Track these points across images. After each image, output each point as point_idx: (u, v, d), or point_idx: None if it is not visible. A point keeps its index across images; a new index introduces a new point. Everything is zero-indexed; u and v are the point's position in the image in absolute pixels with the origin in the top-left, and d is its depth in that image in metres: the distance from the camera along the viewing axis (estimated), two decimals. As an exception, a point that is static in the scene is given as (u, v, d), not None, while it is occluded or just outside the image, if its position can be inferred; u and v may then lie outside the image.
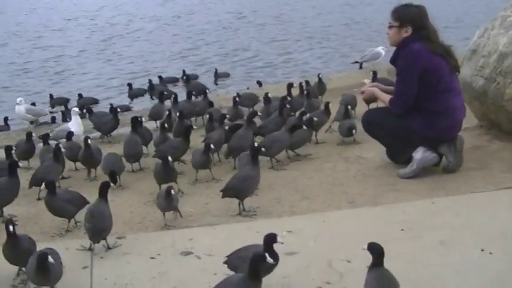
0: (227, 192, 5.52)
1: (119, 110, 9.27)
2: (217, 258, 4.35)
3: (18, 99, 12.18)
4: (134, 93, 15.17)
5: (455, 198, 5.56)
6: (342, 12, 28.41)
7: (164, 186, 5.59)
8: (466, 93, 6.83)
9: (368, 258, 3.66)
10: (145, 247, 4.87)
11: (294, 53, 20.07)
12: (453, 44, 6.34)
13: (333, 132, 8.08)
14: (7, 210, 5.85)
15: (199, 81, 13.82)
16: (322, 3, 31.65)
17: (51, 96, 15.12)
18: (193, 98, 9.96)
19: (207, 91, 10.86)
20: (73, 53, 22.38)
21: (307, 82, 10.01)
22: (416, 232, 4.88)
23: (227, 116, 7.73)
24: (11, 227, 4.25)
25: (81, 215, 5.29)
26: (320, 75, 10.26)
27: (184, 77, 12.54)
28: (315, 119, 7.25)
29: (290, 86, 8.86)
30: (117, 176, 6.15)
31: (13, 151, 6.85)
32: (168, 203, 5.28)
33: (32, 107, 12.43)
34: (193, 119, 9.43)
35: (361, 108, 8.38)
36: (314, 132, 7.54)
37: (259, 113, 7.64)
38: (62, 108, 14.43)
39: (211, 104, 9.03)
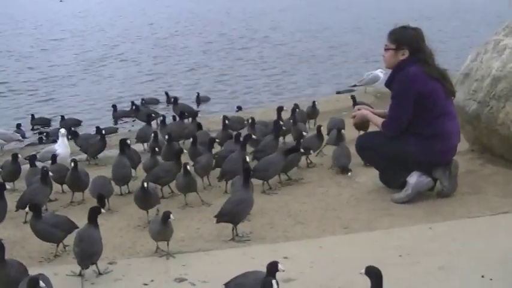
0: (222, 217, 5.40)
1: (103, 131, 9.09)
2: (213, 285, 4.25)
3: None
4: (118, 115, 15.05)
5: (452, 223, 5.50)
6: (325, 36, 28.54)
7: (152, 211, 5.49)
8: (459, 117, 6.75)
9: (366, 285, 3.58)
10: (138, 273, 4.74)
11: (281, 74, 20.10)
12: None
13: (323, 156, 7.98)
14: (-7, 234, 5.70)
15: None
16: (307, 26, 31.86)
17: (32, 116, 14.93)
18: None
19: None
20: (58, 73, 22.17)
21: (296, 106, 9.92)
22: (414, 258, 4.81)
23: (216, 140, 7.60)
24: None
25: (70, 239, 5.13)
26: (316, 102, 10.15)
27: (172, 99, 12.41)
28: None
29: (280, 109, 8.77)
30: (106, 200, 6.02)
31: (-2, 173, 6.71)
32: (164, 230, 5.03)
33: (2, 131, 12.14)
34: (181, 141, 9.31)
35: (349, 131, 8.37)
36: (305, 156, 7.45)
37: (253, 136, 7.53)
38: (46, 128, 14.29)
39: (199, 126, 8.92)
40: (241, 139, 7.20)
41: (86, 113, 16.33)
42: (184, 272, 4.72)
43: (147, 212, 5.92)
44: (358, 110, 6.69)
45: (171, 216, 4.96)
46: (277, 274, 3.83)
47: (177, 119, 10.41)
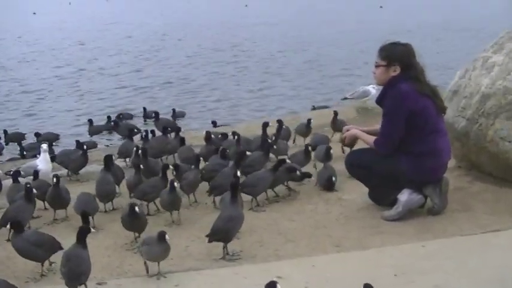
0: (214, 236, 5.29)
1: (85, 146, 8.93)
2: (207, 307, 4.13)
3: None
4: (94, 130, 14.87)
5: (444, 241, 5.47)
6: (305, 50, 28.63)
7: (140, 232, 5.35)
8: (448, 133, 6.75)
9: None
10: (128, 294, 4.62)
11: (261, 89, 20.07)
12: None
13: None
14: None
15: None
16: (287, 40, 31.93)
17: (5, 132, 14.65)
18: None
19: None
20: (36, 87, 21.92)
21: (280, 122, 9.85)
22: (409, 277, 4.76)
23: (201, 158, 7.44)
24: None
25: (57, 258, 4.99)
26: (311, 120, 10.00)
27: (153, 114, 12.26)
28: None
29: (266, 125, 8.67)
30: (91, 217, 5.89)
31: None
32: (162, 250, 4.88)
33: None
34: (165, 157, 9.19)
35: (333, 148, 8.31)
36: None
37: (248, 153, 7.43)
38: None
39: (183, 141, 8.78)
40: (236, 155, 7.17)
41: (64, 127, 16.10)
42: (177, 292, 4.61)
43: (138, 235, 5.76)
44: (348, 130, 6.59)
45: (167, 236, 4.82)
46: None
47: (156, 134, 10.31)
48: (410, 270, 4.85)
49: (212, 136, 8.63)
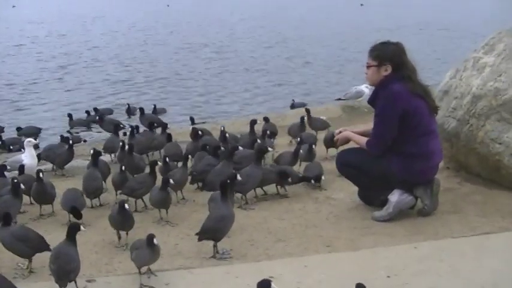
0: (204, 235, 5.22)
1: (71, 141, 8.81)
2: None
3: None
4: (74, 124, 14.71)
5: (437, 243, 5.43)
6: (285, 47, 28.60)
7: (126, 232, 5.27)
8: (438, 134, 6.75)
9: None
10: (119, 292, 4.54)
11: (242, 86, 20.02)
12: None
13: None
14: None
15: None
16: (266, 38, 31.89)
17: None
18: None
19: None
20: (19, 81, 21.66)
21: (266, 119, 9.80)
22: (402, 279, 4.72)
23: (189, 156, 7.36)
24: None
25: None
26: (305, 118, 9.70)
27: (138, 110, 12.14)
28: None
29: (253, 122, 8.61)
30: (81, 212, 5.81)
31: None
32: (150, 255, 4.73)
33: None
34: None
35: (320, 147, 8.29)
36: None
37: (240, 148, 7.36)
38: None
39: (169, 137, 8.69)
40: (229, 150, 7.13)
41: (47, 120, 15.94)
42: (168, 291, 4.54)
43: (127, 233, 5.65)
44: (340, 132, 6.54)
45: (155, 240, 4.67)
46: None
47: (140, 129, 10.20)
48: (404, 272, 4.81)
49: (200, 133, 8.52)
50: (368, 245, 5.45)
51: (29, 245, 4.98)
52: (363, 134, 6.27)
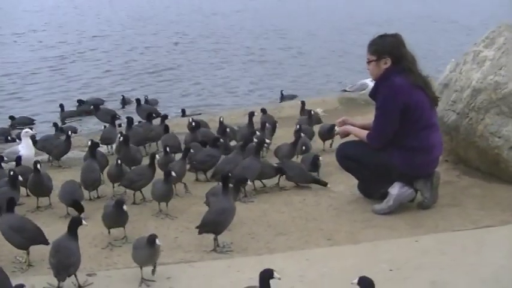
0: (204, 228, 5.19)
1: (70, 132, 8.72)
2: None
3: None
4: (65, 115, 14.63)
5: (438, 236, 5.43)
6: (281, 39, 28.52)
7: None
8: (437, 127, 6.73)
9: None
10: (120, 286, 4.52)
11: (235, 77, 19.95)
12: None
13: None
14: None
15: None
16: (258, 30, 31.78)
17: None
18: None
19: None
20: (19, 70, 21.54)
21: (263, 111, 9.76)
22: (404, 272, 4.71)
23: (191, 150, 7.26)
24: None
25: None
26: (312, 112, 9.44)
27: (135, 100, 12.07)
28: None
29: (252, 114, 8.58)
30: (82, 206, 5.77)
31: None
32: (151, 255, 4.62)
33: None
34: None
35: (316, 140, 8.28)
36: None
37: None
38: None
39: (167, 129, 8.63)
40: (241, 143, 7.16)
41: (42, 111, 15.86)
42: (169, 285, 4.53)
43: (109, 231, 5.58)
44: (341, 121, 6.50)
45: (157, 241, 4.58)
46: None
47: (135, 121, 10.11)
48: (406, 266, 4.80)
49: (193, 124, 8.47)
50: (369, 238, 5.44)
51: (25, 236, 4.93)
52: (363, 127, 6.24)
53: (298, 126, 8.07)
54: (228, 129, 8.20)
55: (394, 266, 4.78)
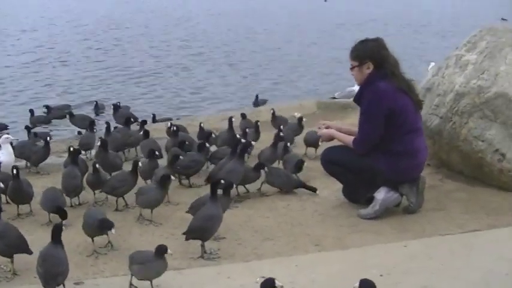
0: (191, 234, 5.13)
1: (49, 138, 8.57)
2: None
3: None
4: (35, 120, 14.41)
5: (425, 240, 5.44)
6: (252, 42, 28.47)
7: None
8: (420, 131, 6.74)
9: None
10: (109, 294, 4.43)
11: (206, 81, 19.77)
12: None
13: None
14: None
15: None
16: (232, 32, 31.71)
17: None
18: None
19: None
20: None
21: (243, 115, 9.71)
22: (395, 277, 4.69)
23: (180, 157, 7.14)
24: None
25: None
26: (304, 119, 9.16)
27: (112, 106, 11.90)
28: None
29: (231, 119, 8.50)
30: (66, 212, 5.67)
31: None
32: (164, 267, 4.50)
33: None
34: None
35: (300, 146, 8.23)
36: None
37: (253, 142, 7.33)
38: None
39: (147, 134, 8.51)
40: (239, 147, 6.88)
41: (14, 116, 15.62)
42: (159, 293, 4.44)
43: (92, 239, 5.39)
44: (323, 124, 6.48)
45: (169, 251, 4.49)
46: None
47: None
48: (396, 271, 4.79)
49: (174, 129, 8.37)
50: (356, 244, 5.42)
51: (6, 243, 4.82)
52: (349, 133, 6.22)
53: (278, 130, 8.06)
54: (213, 135, 8.10)
55: (384, 271, 4.75)
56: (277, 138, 7.62)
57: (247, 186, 6.84)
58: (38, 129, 12.79)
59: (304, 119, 8.69)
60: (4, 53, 26.08)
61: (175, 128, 8.44)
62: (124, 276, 4.65)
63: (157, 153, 7.07)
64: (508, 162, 6.38)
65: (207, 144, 7.28)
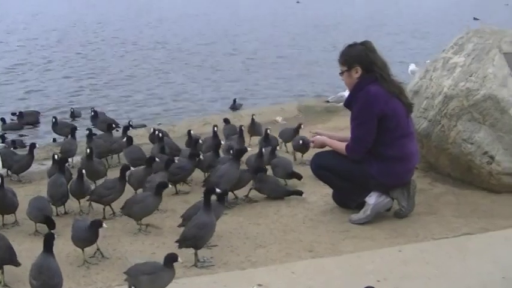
0: (184, 242, 5.04)
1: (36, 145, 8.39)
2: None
3: None
4: (7, 128, 14.20)
5: (420, 245, 5.40)
6: (226, 44, 28.36)
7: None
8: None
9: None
10: (103, 306, 4.32)
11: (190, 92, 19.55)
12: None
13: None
14: None
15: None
16: (205, 35, 31.60)
17: None
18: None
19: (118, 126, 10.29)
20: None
21: (226, 120, 9.62)
22: (392, 283, 4.68)
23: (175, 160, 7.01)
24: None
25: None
26: (302, 126, 8.73)
27: (92, 112, 11.73)
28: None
29: (215, 126, 8.39)
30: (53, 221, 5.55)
31: None
32: (170, 278, 4.38)
33: None
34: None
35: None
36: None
37: (249, 148, 7.18)
38: None
39: (130, 140, 8.39)
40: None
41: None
42: (156, 304, 4.35)
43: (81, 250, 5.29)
44: (316, 133, 6.42)
45: (179, 259, 4.38)
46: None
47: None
48: (392, 276, 4.75)
49: (160, 135, 8.25)
50: (350, 249, 5.37)
51: None
52: (339, 140, 6.18)
53: (263, 135, 8.02)
54: (200, 141, 7.99)
55: (381, 277, 4.72)
56: (261, 146, 7.56)
57: (236, 192, 6.74)
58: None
59: (302, 126, 8.58)
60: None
61: (160, 134, 8.31)
62: (118, 286, 4.55)
63: (157, 159, 6.90)
64: (497, 164, 6.38)
65: (201, 156, 7.11)
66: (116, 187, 6.25)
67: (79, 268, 5.09)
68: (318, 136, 6.29)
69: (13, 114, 14.98)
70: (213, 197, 5.47)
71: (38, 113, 15.25)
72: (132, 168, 6.63)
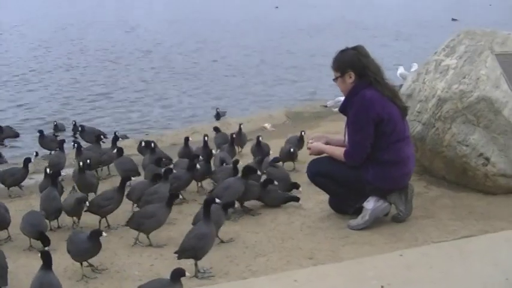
0: (184, 253, 4.97)
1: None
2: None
3: None
4: None
5: (421, 249, 5.37)
6: (210, 52, 28.22)
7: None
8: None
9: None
10: (105, 322, 4.25)
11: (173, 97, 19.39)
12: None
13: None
14: None
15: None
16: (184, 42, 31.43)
17: None
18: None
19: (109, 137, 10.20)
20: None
21: (216, 129, 9.56)
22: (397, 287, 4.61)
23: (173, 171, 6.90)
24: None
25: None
26: (303, 133, 8.70)
27: (80, 127, 11.55)
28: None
29: (205, 136, 8.34)
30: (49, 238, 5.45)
31: None
32: None
33: None
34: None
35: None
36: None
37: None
38: None
39: (120, 151, 8.30)
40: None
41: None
42: (159, 317, 4.28)
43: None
44: (312, 141, 6.36)
45: (187, 274, 4.35)
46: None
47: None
48: (396, 281, 4.70)
49: (152, 145, 8.18)
50: (351, 255, 5.32)
51: None
52: (338, 143, 6.14)
53: (254, 143, 8.01)
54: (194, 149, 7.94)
55: (385, 282, 4.67)
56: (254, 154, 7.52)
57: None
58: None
59: (303, 133, 8.54)
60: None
61: (153, 145, 8.23)
62: (119, 301, 4.49)
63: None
64: (492, 166, 6.38)
65: (198, 166, 7.02)
66: (114, 198, 6.18)
67: (78, 282, 5.02)
68: (315, 143, 6.24)
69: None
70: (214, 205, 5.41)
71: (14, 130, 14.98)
72: (132, 179, 6.55)
